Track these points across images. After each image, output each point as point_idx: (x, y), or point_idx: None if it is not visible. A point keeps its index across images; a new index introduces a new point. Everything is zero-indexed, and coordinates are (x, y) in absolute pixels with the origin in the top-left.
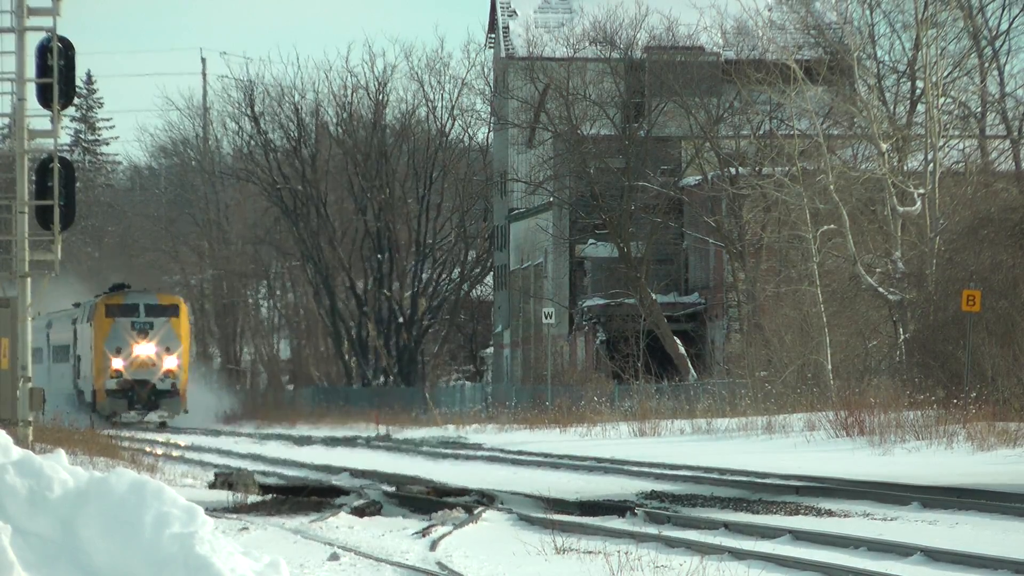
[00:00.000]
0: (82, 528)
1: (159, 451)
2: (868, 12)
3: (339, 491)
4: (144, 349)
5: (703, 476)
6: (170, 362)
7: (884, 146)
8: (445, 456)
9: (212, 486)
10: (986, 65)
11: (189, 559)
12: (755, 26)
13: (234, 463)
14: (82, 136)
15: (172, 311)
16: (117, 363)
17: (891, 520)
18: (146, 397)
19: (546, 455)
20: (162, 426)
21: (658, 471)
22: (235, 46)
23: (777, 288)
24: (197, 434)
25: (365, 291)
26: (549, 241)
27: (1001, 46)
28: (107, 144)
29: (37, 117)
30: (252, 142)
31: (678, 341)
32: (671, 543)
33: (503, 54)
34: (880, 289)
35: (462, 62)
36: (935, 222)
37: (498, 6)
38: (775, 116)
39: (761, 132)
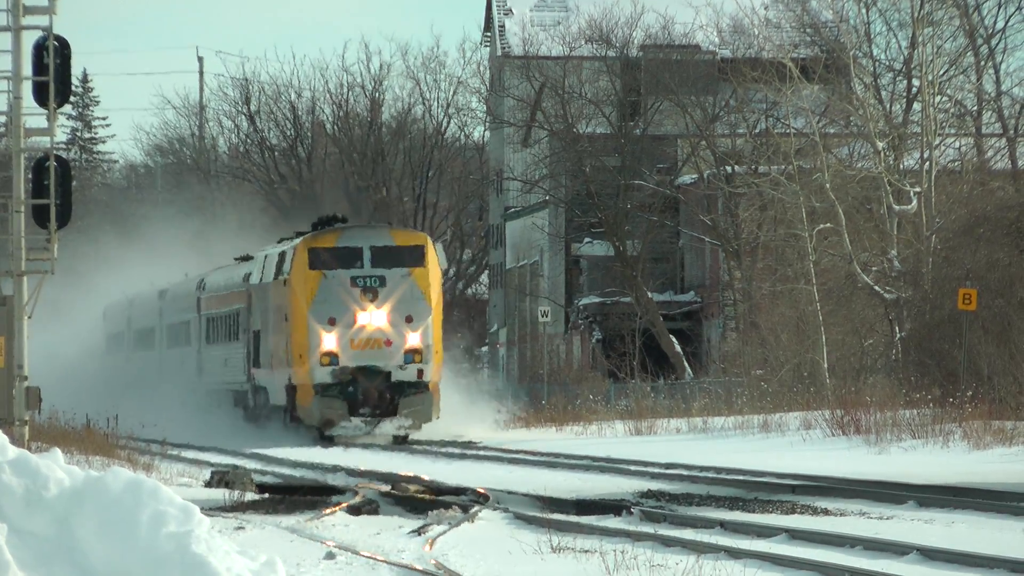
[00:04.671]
0: (78, 527)
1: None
2: (864, 10)
3: (335, 490)
4: (373, 318)
5: (699, 475)
6: (414, 338)
7: (880, 144)
8: (441, 455)
9: (208, 485)
10: (982, 63)
11: (185, 558)
12: (751, 24)
13: (229, 462)
14: (78, 134)
15: (415, 256)
16: (330, 341)
17: (887, 519)
18: (377, 395)
19: (542, 454)
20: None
21: (654, 470)
22: (231, 45)
23: (773, 286)
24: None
25: None
26: (545, 239)
27: (997, 44)
28: (103, 143)
29: (33, 115)
30: (248, 141)
31: (674, 340)
32: (667, 542)
33: (499, 52)
34: (876, 288)
35: (458, 60)
36: (931, 220)
37: (494, 4)
38: (771, 114)
39: (757, 130)
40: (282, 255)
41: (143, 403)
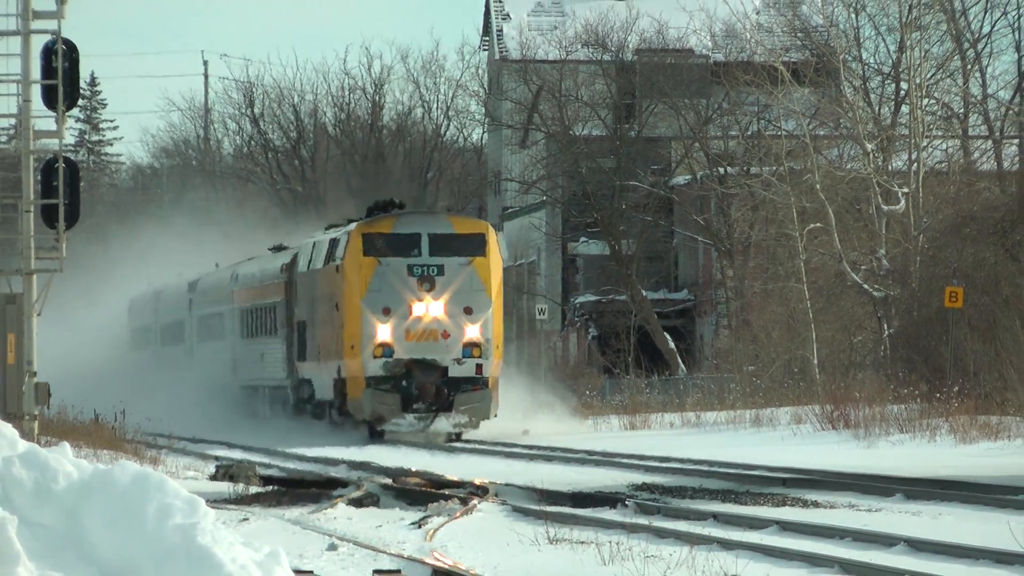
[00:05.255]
0: (86, 519)
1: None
2: (853, 15)
3: (337, 483)
4: (430, 309)
5: (692, 468)
6: (472, 331)
7: (869, 146)
8: (441, 449)
9: (213, 478)
10: (969, 67)
11: (191, 549)
12: (743, 29)
13: (235, 456)
14: (86, 136)
15: (475, 245)
16: (384, 332)
17: (875, 511)
18: (434, 391)
19: (539, 448)
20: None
21: (648, 463)
22: (236, 49)
23: (764, 285)
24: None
25: None
26: (542, 239)
27: (983, 48)
28: (111, 144)
29: (42, 118)
30: (252, 142)
31: (668, 336)
32: (661, 533)
33: (497, 56)
34: (865, 286)
35: (457, 64)
36: (919, 220)
37: (492, 9)
38: (763, 117)
39: (749, 132)
40: (334, 241)
41: (173, 399)
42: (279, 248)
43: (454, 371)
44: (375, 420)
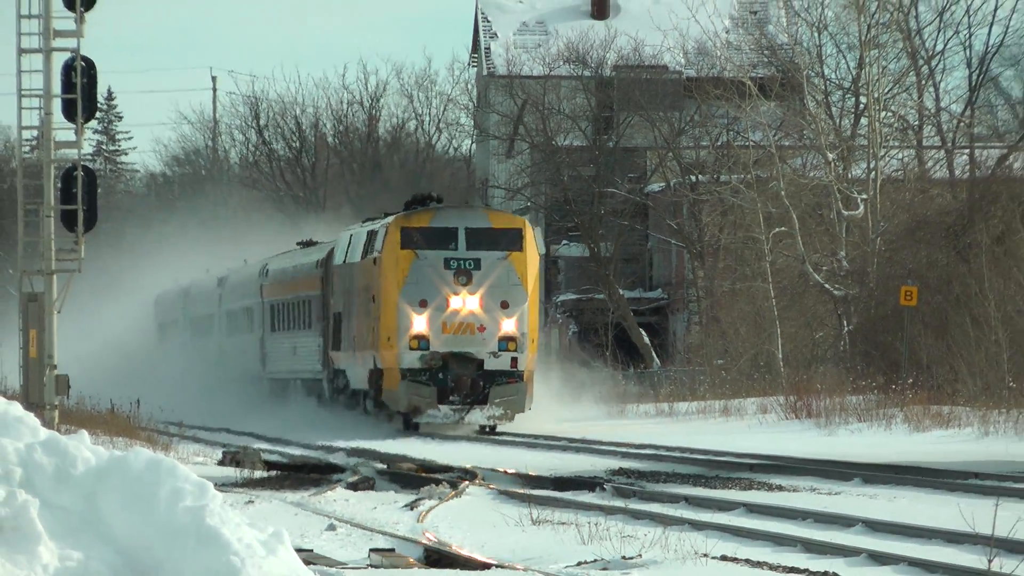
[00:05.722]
0: (103, 502)
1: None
2: (816, 34)
3: (336, 468)
4: (467, 302)
5: (665, 455)
6: (508, 325)
7: (830, 156)
8: (432, 437)
9: (221, 463)
10: (923, 82)
11: (200, 530)
12: (714, 47)
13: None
14: (103, 147)
15: (512, 240)
16: (420, 324)
17: (835, 494)
18: (469, 384)
19: (524, 435)
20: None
21: (625, 450)
22: (242, 65)
23: (733, 284)
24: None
25: None
26: None
27: (937, 65)
28: (126, 154)
29: (62, 130)
30: (257, 152)
31: (643, 332)
32: (637, 515)
33: (485, 72)
34: (826, 285)
35: (448, 80)
36: (876, 225)
37: (480, 28)
38: (732, 128)
39: (719, 143)
40: (371, 234)
41: (202, 390)
42: (308, 243)
43: (490, 364)
44: (411, 411)
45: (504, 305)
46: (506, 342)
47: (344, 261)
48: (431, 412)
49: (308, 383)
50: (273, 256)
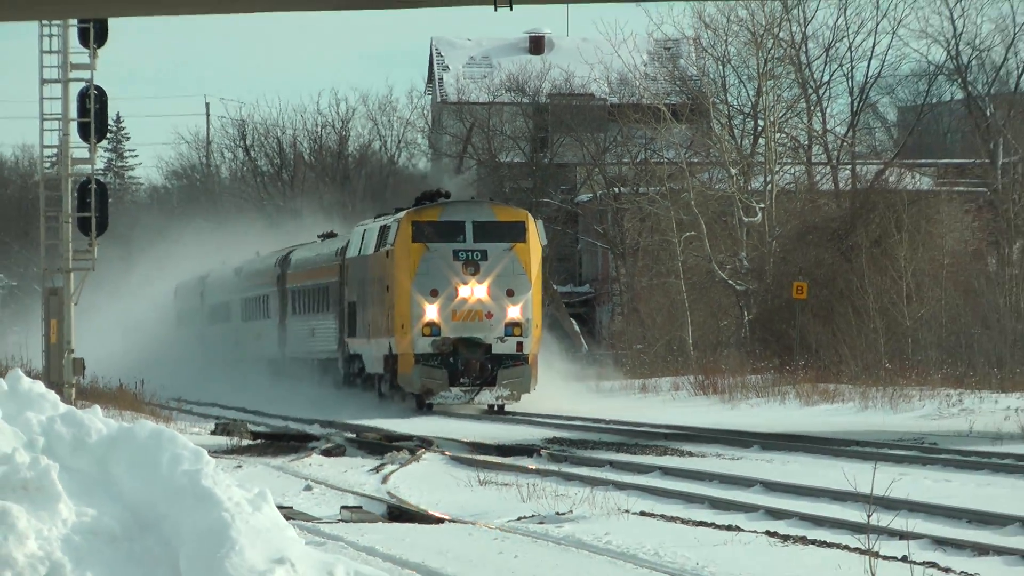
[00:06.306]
0: (114, 466)
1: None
2: (721, 67)
3: (312, 437)
4: (475, 291)
5: (592, 425)
6: (513, 312)
7: (733, 171)
8: (400, 414)
9: (213, 433)
10: (812, 108)
11: (196, 490)
12: (634, 78)
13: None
14: (113, 163)
15: (516, 233)
16: (432, 312)
17: (737, 459)
18: (478, 366)
19: (474, 412)
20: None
21: (558, 421)
22: (232, 93)
23: (650, 280)
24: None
25: None
26: None
27: (824, 93)
28: (132, 169)
29: (78, 148)
30: (244, 168)
31: (574, 321)
32: (568, 477)
33: (439, 99)
34: (730, 281)
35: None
36: (772, 229)
37: (435, 62)
38: (649, 147)
39: (638, 160)
40: (384, 228)
41: (224, 372)
42: (328, 235)
43: (497, 348)
44: (424, 393)
45: (510, 293)
46: (512, 328)
47: (359, 254)
48: (443, 394)
49: (324, 362)
50: (296, 246)
